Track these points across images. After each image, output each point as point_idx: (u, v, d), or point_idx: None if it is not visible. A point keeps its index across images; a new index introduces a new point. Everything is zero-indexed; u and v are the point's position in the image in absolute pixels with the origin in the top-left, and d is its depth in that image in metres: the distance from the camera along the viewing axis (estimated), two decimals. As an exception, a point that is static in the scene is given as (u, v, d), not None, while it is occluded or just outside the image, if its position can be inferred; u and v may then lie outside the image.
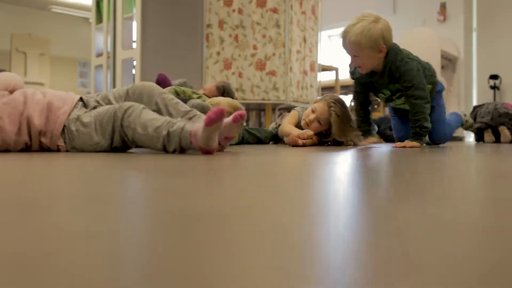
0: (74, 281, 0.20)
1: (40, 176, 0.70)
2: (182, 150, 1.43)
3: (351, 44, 2.12)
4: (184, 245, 0.27)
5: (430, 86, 2.33)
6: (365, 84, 2.41)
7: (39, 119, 1.49)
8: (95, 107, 1.59)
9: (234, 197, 0.47)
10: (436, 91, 2.43)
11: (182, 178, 0.67)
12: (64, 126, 1.51)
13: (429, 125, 2.17)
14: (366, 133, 2.44)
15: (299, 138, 2.29)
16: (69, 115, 1.52)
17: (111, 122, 1.48)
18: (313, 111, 2.47)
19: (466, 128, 3.11)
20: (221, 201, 0.44)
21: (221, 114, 1.33)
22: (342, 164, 1.02)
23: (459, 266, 0.23)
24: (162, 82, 2.58)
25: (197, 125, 1.40)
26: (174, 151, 1.43)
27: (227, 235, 0.30)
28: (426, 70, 2.33)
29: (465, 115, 3.01)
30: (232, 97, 2.85)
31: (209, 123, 1.33)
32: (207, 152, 1.40)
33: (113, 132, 1.49)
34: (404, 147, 2.11)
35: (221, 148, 1.57)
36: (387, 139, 3.54)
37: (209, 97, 2.52)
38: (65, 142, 1.52)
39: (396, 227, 0.33)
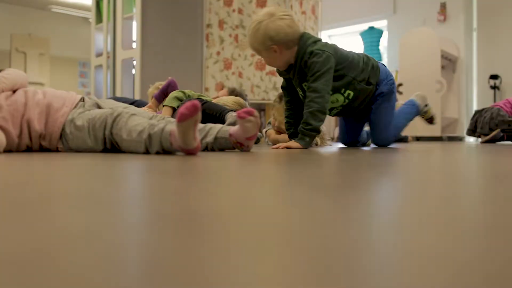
0: (74, 281, 0.20)
1: (39, 176, 0.70)
2: (166, 152, 1.38)
3: (249, 47, 2.04)
4: (184, 245, 0.26)
5: (369, 87, 2.10)
6: (287, 80, 2.19)
7: (39, 123, 1.49)
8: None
9: (234, 197, 0.47)
10: (377, 94, 2.15)
11: (182, 178, 0.67)
12: (63, 128, 1.52)
13: (318, 125, 1.90)
14: (292, 136, 2.11)
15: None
16: (68, 116, 1.53)
17: (102, 128, 1.46)
18: (274, 118, 2.59)
19: (427, 119, 2.49)
20: (221, 200, 0.44)
21: (193, 109, 1.23)
22: (340, 163, 1.02)
23: (462, 266, 0.23)
24: (173, 86, 2.56)
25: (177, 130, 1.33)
26: (157, 154, 1.37)
27: (227, 235, 0.29)
28: (355, 68, 2.06)
29: (426, 105, 2.45)
30: (244, 99, 2.86)
31: (181, 119, 1.25)
32: (188, 152, 1.33)
33: (105, 138, 1.46)
34: (284, 147, 1.86)
35: (247, 149, 1.59)
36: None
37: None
38: (63, 144, 1.52)
39: (397, 226, 0.33)
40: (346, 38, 7.89)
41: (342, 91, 2.08)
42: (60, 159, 1.14)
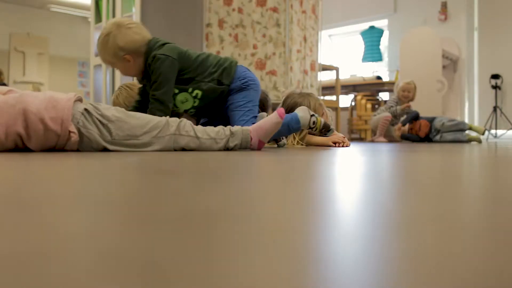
0: (74, 281, 0.20)
1: (39, 176, 0.68)
2: (233, 148, 1.66)
3: (102, 61, 2.08)
4: (184, 246, 0.27)
5: (220, 87, 2.11)
6: (143, 91, 2.28)
7: (40, 105, 1.43)
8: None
9: (234, 197, 0.47)
10: (229, 91, 2.15)
11: (182, 178, 0.65)
12: (86, 110, 1.49)
13: None
14: None
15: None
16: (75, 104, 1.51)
17: (159, 128, 1.58)
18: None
19: (321, 131, 2.23)
20: (221, 200, 0.44)
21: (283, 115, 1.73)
22: (340, 163, 1.00)
23: (463, 265, 0.22)
24: None
25: (253, 125, 1.74)
26: (232, 148, 1.66)
27: (227, 235, 0.30)
28: (203, 70, 2.09)
29: (312, 115, 2.14)
30: (266, 99, 2.80)
31: (282, 117, 1.71)
32: (260, 146, 1.70)
33: (159, 136, 1.58)
34: None
35: (254, 147, 1.75)
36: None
37: None
38: (79, 131, 1.48)
39: (398, 226, 0.32)
40: (347, 38, 7.86)
41: (190, 91, 2.11)
42: (59, 159, 1.12)
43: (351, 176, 0.78)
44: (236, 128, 1.67)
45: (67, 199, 0.47)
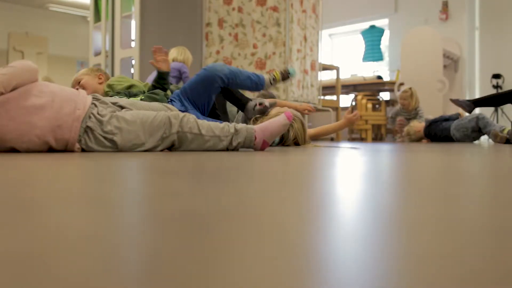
0: (74, 282, 0.20)
1: (40, 176, 0.68)
2: (235, 148, 1.62)
3: None
4: (184, 246, 0.27)
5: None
6: None
7: (45, 127, 1.41)
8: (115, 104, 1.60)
9: (233, 197, 0.46)
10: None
11: (182, 178, 0.64)
12: (88, 128, 1.48)
13: None
14: None
15: None
16: (82, 118, 1.48)
17: (162, 127, 1.55)
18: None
19: (283, 77, 2.59)
20: (220, 201, 0.44)
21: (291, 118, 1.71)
22: (341, 163, 0.98)
23: (463, 266, 0.22)
24: None
25: (259, 125, 1.69)
26: (235, 148, 1.62)
27: (227, 236, 0.29)
28: None
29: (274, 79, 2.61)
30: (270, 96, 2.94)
31: (289, 119, 1.68)
32: (264, 147, 1.64)
33: (164, 137, 1.55)
34: None
35: (257, 148, 1.71)
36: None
37: None
38: (81, 142, 1.48)
39: (398, 226, 0.32)
40: (347, 37, 7.85)
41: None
42: (60, 159, 1.10)
43: (352, 176, 0.77)
44: (240, 125, 1.63)
45: (67, 199, 0.46)
